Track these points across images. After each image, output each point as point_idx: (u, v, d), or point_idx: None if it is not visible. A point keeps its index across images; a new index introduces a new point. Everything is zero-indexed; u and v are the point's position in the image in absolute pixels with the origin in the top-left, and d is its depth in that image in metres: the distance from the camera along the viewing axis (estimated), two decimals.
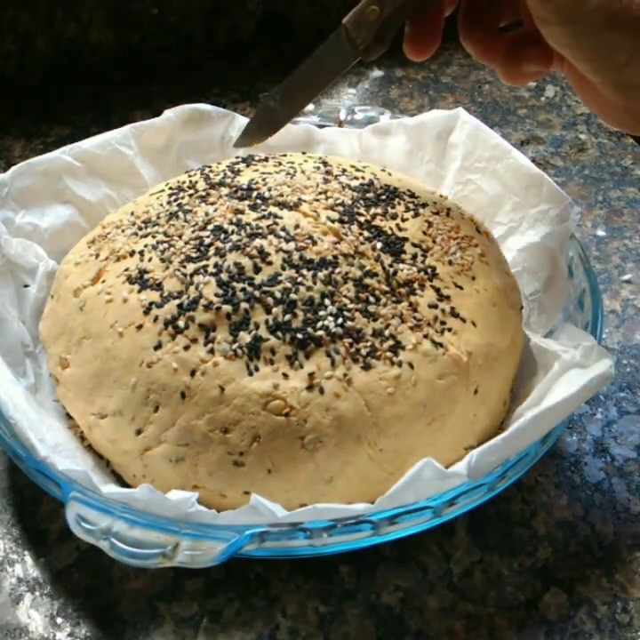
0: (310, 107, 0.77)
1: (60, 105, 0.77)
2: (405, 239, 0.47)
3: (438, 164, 0.59)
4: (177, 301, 0.43)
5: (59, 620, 0.42)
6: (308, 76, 0.50)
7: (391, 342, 0.42)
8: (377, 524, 0.38)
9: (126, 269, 0.46)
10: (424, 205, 0.50)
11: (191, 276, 0.44)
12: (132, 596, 0.42)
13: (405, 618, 0.42)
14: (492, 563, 0.44)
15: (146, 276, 0.45)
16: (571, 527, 0.45)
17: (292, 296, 0.42)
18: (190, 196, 0.49)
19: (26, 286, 0.51)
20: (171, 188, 0.51)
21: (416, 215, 0.49)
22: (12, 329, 0.49)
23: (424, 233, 0.47)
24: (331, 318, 0.42)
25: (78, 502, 0.38)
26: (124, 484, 0.43)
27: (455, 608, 0.42)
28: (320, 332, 0.41)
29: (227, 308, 0.42)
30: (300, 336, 0.41)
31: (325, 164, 0.53)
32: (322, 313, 0.42)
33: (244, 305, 0.42)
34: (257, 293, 0.42)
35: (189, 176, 0.52)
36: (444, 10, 0.45)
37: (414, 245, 0.46)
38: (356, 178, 0.51)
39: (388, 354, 0.42)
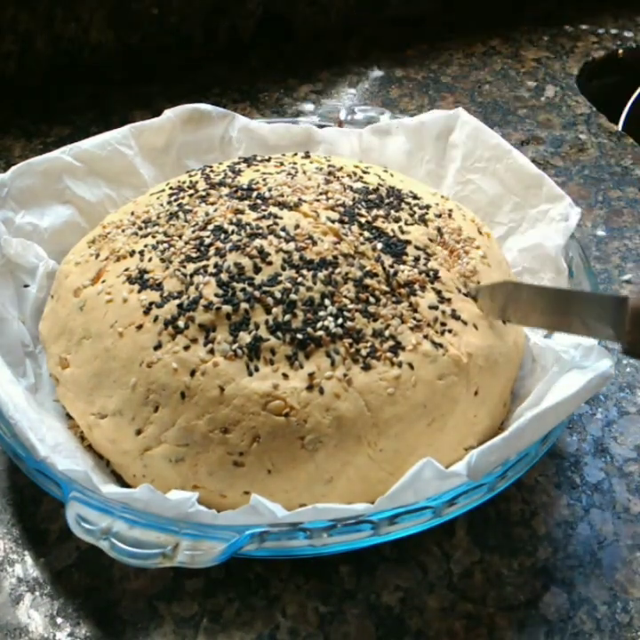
0: (310, 107, 0.77)
1: (60, 105, 0.77)
2: (408, 242, 0.47)
3: (438, 164, 0.59)
4: (177, 301, 0.43)
5: (59, 620, 0.42)
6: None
7: (391, 342, 0.42)
8: (377, 524, 0.38)
9: (126, 269, 0.46)
10: (428, 208, 0.50)
11: (191, 276, 0.44)
12: (132, 595, 0.42)
13: (405, 618, 0.42)
14: (492, 563, 0.44)
15: (146, 276, 0.45)
16: (571, 527, 0.45)
17: (292, 296, 0.42)
18: (190, 196, 0.49)
19: (26, 286, 0.51)
20: (171, 188, 0.51)
21: (422, 220, 0.48)
22: (12, 329, 0.49)
23: (431, 240, 0.47)
24: (331, 318, 0.42)
25: (78, 502, 0.38)
26: (124, 484, 0.43)
27: (455, 608, 0.42)
28: (320, 333, 0.41)
29: (227, 308, 0.42)
30: (299, 336, 0.41)
31: (330, 165, 0.53)
32: (322, 313, 0.42)
33: (244, 305, 0.42)
34: (257, 293, 0.42)
35: (190, 176, 0.52)
36: None
37: (417, 248, 0.46)
38: (360, 179, 0.51)
39: (388, 354, 0.42)
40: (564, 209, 0.53)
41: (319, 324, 0.42)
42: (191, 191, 0.50)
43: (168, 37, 0.80)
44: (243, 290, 0.43)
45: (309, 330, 0.41)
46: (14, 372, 0.45)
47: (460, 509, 0.41)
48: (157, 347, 0.42)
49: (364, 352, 0.41)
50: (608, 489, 0.47)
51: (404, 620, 0.41)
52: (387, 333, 0.42)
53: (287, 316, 0.42)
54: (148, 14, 0.78)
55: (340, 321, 0.42)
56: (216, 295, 0.42)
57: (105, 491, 0.39)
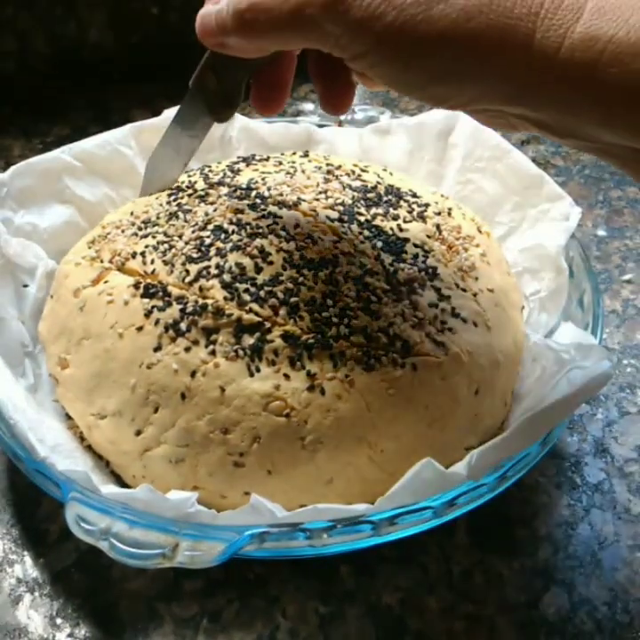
0: (310, 106, 0.77)
1: (60, 104, 0.77)
2: (407, 239, 0.47)
3: (439, 164, 0.59)
4: (179, 306, 0.43)
5: (58, 621, 0.42)
6: (176, 139, 0.48)
7: (395, 342, 0.42)
8: (377, 525, 0.38)
9: (129, 274, 0.45)
10: (427, 206, 0.50)
11: (195, 279, 0.43)
12: (132, 596, 0.42)
13: (405, 618, 0.42)
14: (492, 563, 0.44)
15: (149, 280, 0.44)
16: (571, 527, 0.45)
17: (294, 298, 0.42)
18: (189, 195, 0.49)
19: (25, 286, 0.51)
20: (170, 189, 0.51)
21: (420, 217, 0.49)
22: (12, 329, 0.48)
23: (428, 236, 0.47)
24: (335, 319, 0.42)
25: (78, 502, 0.38)
26: (124, 485, 0.43)
27: (455, 608, 0.42)
28: (324, 334, 0.41)
29: (238, 312, 0.42)
30: (304, 338, 0.41)
31: (329, 164, 0.52)
32: (325, 314, 0.42)
33: (252, 306, 0.42)
34: (262, 294, 0.42)
35: (189, 176, 0.52)
36: (289, 67, 0.42)
37: (416, 246, 0.46)
38: (359, 177, 0.51)
39: (392, 354, 0.42)
40: (565, 208, 0.53)
41: (321, 325, 0.41)
42: (190, 191, 0.50)
43: (168, 37, 0.80)
44: (246, 290, 0.42)
45: (313, 330, 0.41)
46: (13, 373, 0.45)
47: (460, 510, 0.40)
48: (157, 348, 0.42)
49: (367, 352, 0.41)
50: (609, 489, 0.47)
51: (404, 621, 0.41)
52: (391, 332, 0.42)
53: (291, 318, 0.42)
54: (147, 14, 0.78)
55: (345, 320, 0.42)
56: (225, 299, 0.42)
57: (104, 491, 0.39)
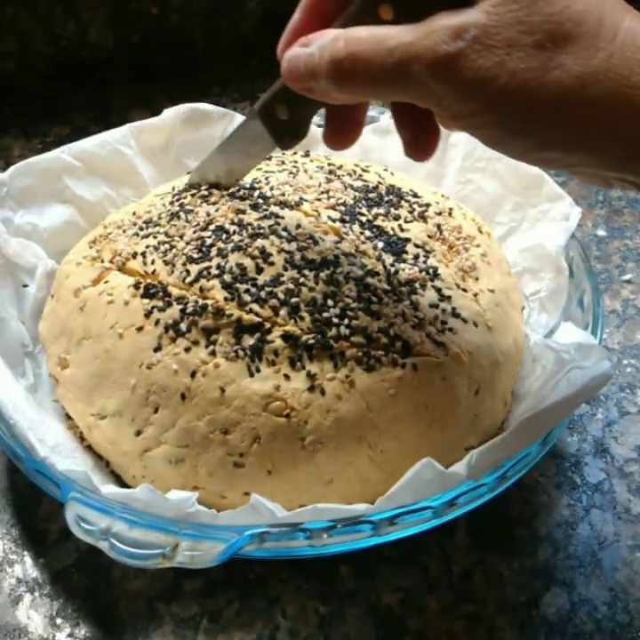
0: None
1: (60, 104, 0.77)
2: (408, 240, 0.47)
3: (439, 164, 0.59)
4: (180, 306, 0.43)
5: (58, 621, 0.42)
6: (229, 156, 0.47)
7: (395, 342, 0.42)
8: (377, 525, 0.38)
9: (130, 274, 0.45)
10: (428, 206, 0.50)
11: (195, 279, 0.43)
12: (132, 596, 0.42)
13: (405, 618, 0.42)
14: (492, 563, 0.44)
15: (149, 281, 0.44)
16: (571, 527, 0.45)
17: (294, 299, 0.42)
18: (192, 195, 0.49)
19: (25, 286, 0.51)
20: (177, 190, 0.51)
21: (421, 217, 0.48)
22: (12, 329, 0.48)
23: (429, 236, 0.47)
24: (335, 319, 0.42)
25: (78, 503, 0.38)
26: (124, 485, 0.43)
27: (455, 608, 0.42)
28: (324, 334, 0.41)
29: (238, 312, 0.42)
30: (304, 338, 0.41)
31: (330, 164, 0.52)
32: (326, 314, 0.42)
33: (252, 306, 0.42)
34: (263, 294, 0.42)
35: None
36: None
37: (417, 246, 0.46)
38: (360, 177, 0.51)
39: (392, 355, 0.42)
40: (565, 208, 0.53)
41: (322, 326, 0.41)
42: (194, 191, 0.49)
43: (168, 37, 0.80)
44: (247, 291, 0.42)
45: (313, 332, 0.41)
46: (13, 373, 0.45)
47: (460, 510, 0.40)
48: (157, 348, 0.42)
49: (367, 352, 0.41)
50: (608, 489, 0.47)
51: (405, 621, 0.41)
52: (391, 332, 0.42)
53: (292, 319, 0.42)
54: (147, 13, 0.78)
55: (345, 321, 0.42)
56: (225, 299, 0.42)
57: (104, 491, 0.39)
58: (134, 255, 0.46)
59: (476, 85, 0.31)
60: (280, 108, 0.41)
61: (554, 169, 0.33)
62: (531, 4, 0.30)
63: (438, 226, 0.49)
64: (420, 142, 0.39)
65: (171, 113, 0.59)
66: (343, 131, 0.41)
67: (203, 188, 0.49)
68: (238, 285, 0.43)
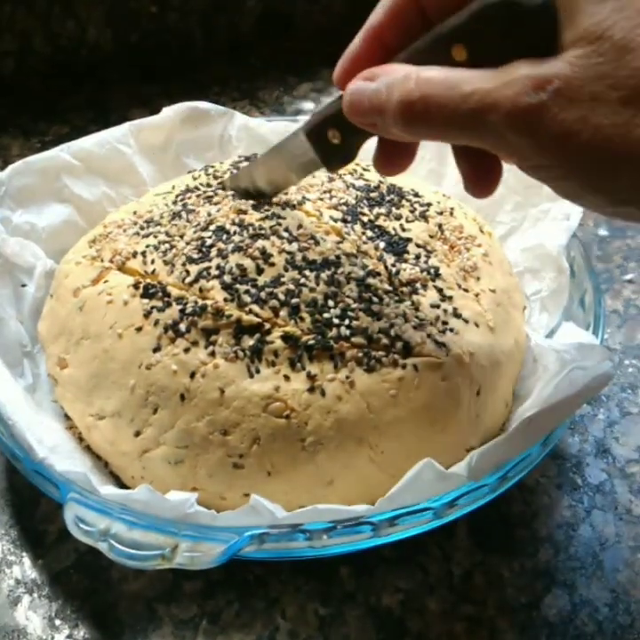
0: (310, 105, 0.77)
1: (59, 104, 0.77)
2: (409, 239, 0.46)
3: (439, 163, 0.59)
4: (179, 306, 0.42)
5: (57, 622, 0.41)
6: (272, 168, 0.46)
7: (396, 342, 0.42)
8: (377, 526, 0.38)
9: (130, 274, 0.45)
10: (429, 206, 0.49)
11: (194, 279, 0.43)
12: (131, 597, 0.42)
13: (406, 620, 0.41)
14: (492, 564, 0.43)
15: (148, 280, 0.44)
16: (572, 528, 0.45)
17: (295, 299, 0.42)
18: (197, 196, 0.49)
19: (23, 286, 0.51)
20: (179, 189, 0.51)
21: (422, 217, 0.48)
22: (10, 329, 0.48)
23: (431, 236, 0.47)
24: (336, 320, 0.42)
25: (77, 503, 0.38)
26: (123, 486, 0.43)
27: (456, 610, 0.42)
28: (325, 335, 0.41)
29: (238, 313, 0.42)
30: (304, 339, 0.41)
31: None
32: (326, 315, 0.42)
33: (252, 307, 0.42)
34: (262, 295, 0.42)
35: (194, 178, 0.52)
36: None
37: (418, 246, 0.46)
38: (361, 177, 0.51)
39: (393, 355, 0.41)
40: (566, 208, 0.52)
41: (323, 326, 0.41)
42: (198, 191, 0.49)
43: (167, 36, 0.79)
44: (247, 292, 0.42)
45: (314, 332, 0.41)
46: (12, 373, 0.45)
47: (460, 511, 0.40)
48: (157, 349, 0.42)
49: (368, 353, 0.41)
50: (610, 490, 0.47)
51: (405, 622, 0.41)
52: (392, 333, 0.42)
53: (292, 320, 0.41)
54: (146, 12, 0.78)
55: (346, 322, 0.42)
56: (225, 300, 0.42)
57: (103, 492, 0.39)
58: (134, 254, 0.46)
59: (557, 139, 0.30)
60: (332, 133, 0.40)
61: (630, 222, 0.33)
62: (617, 57, 0.29)
63: (439, 225, 0.48)
64: (480, 178, 0.38)
65: (170, 111, 0.59)
66: (396, 157, 0.40)
67: (211, 189, 0.49)
68: (238, 286, 0.42)
